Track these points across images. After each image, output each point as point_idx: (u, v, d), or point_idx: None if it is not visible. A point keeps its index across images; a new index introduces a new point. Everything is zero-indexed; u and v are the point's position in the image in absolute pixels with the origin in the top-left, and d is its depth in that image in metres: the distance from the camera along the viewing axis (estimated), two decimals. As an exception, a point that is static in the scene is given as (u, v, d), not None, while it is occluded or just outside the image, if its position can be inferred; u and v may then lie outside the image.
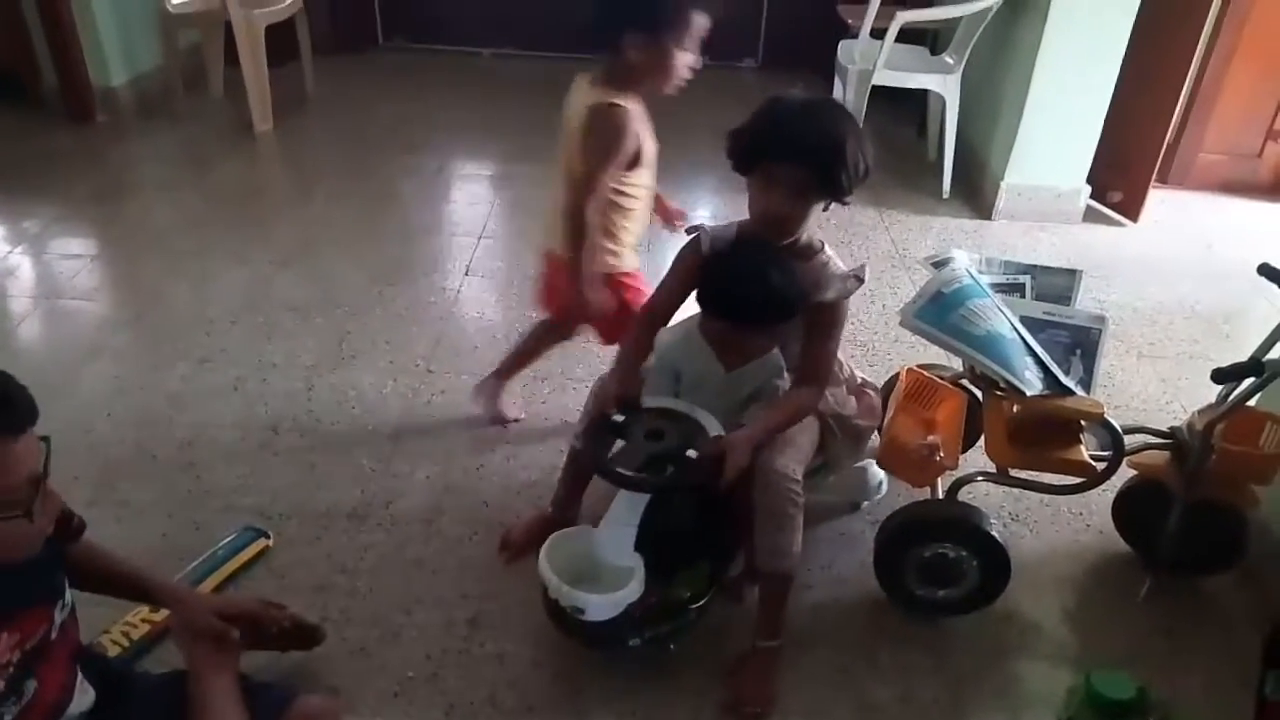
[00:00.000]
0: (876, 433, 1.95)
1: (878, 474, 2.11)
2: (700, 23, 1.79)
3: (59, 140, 3.87)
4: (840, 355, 1.82)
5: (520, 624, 1.78)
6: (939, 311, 1.69)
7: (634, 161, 1.88)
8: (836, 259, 1.72)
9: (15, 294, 2.83)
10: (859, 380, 1.92)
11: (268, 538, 1.91)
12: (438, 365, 2.55)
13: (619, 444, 1.59)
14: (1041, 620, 1.89)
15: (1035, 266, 1.92)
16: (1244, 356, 2.74)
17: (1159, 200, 3.78)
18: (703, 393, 1.73)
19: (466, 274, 3.06)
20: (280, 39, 4.16)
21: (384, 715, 1.60)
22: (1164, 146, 3.62)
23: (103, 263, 3.06)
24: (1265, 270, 1.84)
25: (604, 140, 1.81)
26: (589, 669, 1.70)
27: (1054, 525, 2.11)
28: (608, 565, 1.61)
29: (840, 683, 1.72)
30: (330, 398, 2.39)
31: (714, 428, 1.63)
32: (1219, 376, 1.70)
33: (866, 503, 2.12)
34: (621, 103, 1.81)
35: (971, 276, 1.77)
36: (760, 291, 1.59)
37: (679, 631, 1.67)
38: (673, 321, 1.79)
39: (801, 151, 1.57)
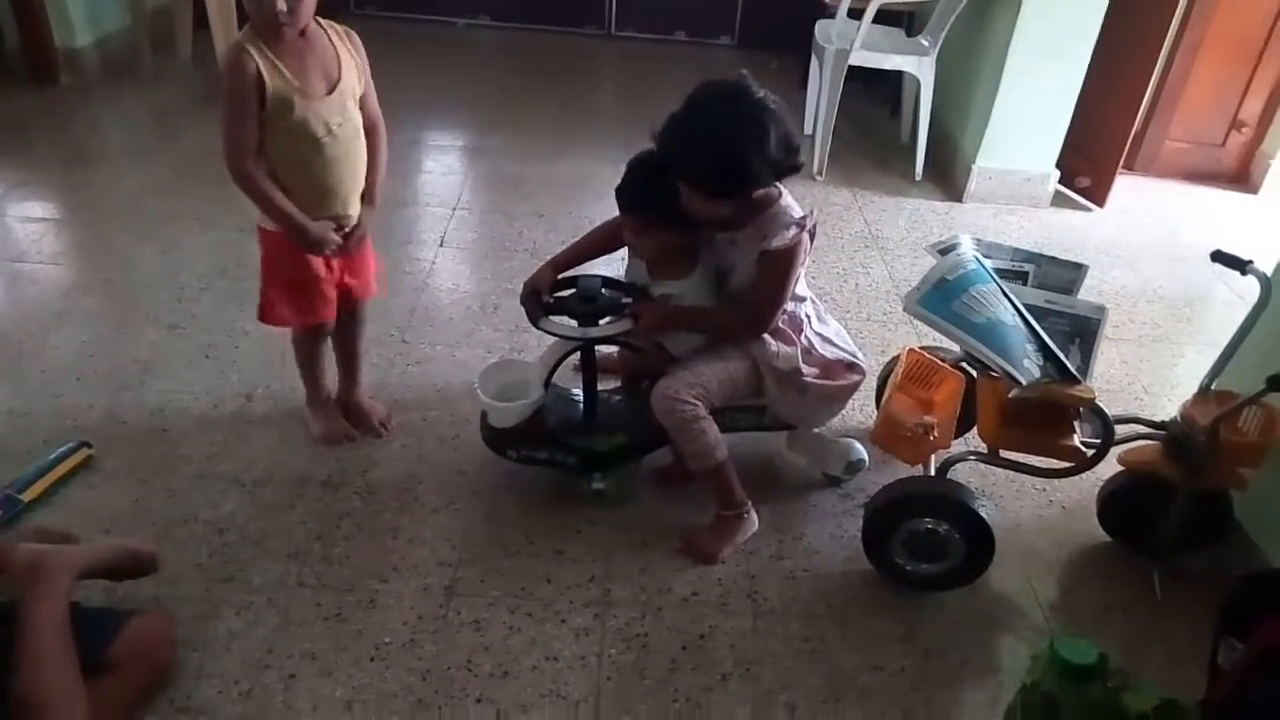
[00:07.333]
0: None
1: (856, 452, 2.12)
2: None
3: (20, 102, 3.79)
4: (830, 334, 1.97)
5: (496, 591, 1.80)
6: (941, 299, 1.70)
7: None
8: (793, 207, 1.81)
9: (-23, 257, 2.78)
10: (837, 358, 1.95)
11: (90, 447, 2.01)
12: (413, 336, 2.54)
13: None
14: (1007, 592, 1.93)
15: (1041, 256, 1.91)
16: (1205, 341, 2.86)
17: (1125, 187, 3.86)
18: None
19: (441, 245, 3.04)
20: (251, 3, 4.08)
21: (360, 680, 1.60)
22: (1131, 134, 3.68)
23: (68, 227, 3.00)
24: (1218, 256, 1.87)
25: None
26: (565, 636, 1.72)
27: (1019, 500, 2.16)
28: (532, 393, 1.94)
29: (811, 651, 1.75)
30: (304, 366, 2.37)
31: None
32: (1276, 383, 1.64)
33: (842, 480, 2.13)
34: None
35: (978, 260, 1.78)
36: (633, 175, 1.84)
37: (552, 464, 1.98)
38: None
39: (685, 171, 1.72)
